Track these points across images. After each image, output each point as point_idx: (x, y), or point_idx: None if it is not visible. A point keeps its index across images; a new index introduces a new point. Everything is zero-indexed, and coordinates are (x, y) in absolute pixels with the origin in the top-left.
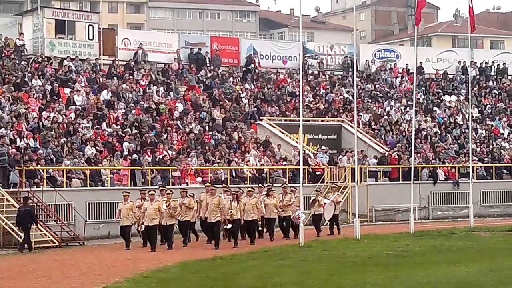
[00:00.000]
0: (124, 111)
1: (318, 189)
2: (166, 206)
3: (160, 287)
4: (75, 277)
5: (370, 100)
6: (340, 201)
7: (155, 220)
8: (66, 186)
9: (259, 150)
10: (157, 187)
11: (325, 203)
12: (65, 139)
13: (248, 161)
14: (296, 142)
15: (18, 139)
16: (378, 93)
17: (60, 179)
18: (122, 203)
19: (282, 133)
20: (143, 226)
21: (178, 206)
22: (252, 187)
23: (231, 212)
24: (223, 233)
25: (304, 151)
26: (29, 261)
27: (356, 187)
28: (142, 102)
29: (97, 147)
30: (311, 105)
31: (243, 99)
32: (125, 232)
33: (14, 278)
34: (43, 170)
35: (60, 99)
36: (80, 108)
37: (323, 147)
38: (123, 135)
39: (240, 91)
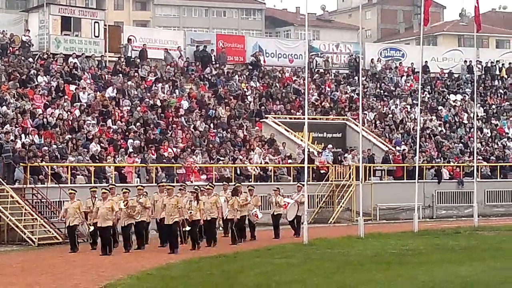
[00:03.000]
0: (129, 108)
1: (277, 189)
2: (124, 206)
3: (164, 284)
4: (79, 274)
5: (375, 99)
6: (304, 202)
7: (108, 221)
8: (71, 183)
9: (263, 148)
10: (108, 185)
11: (287, 203)
12: (70, 136)
13: (251, 158)
14: (301, 140)
15: (23, 136)
16: (383, 91)
17: (64, 176)
18: (68, 202)
19: (287, 131)
20: (91, 227)
21: (137, 205)
22: (211, 185)
23: (191, 212)
24: (181, 236)
25: (309, 149)
26: (32, 258)
27: (360, 185)
28: (147, 99)
29: (101, 144)
30: (316, 103)
31: (248, 97)
32: (72, 233)
33: (17, 274)
34: (47, 167)
35: (66, 96)
36: (85, 105)
37: (328, 146)
38: (128, 132)
39: (245, 89)
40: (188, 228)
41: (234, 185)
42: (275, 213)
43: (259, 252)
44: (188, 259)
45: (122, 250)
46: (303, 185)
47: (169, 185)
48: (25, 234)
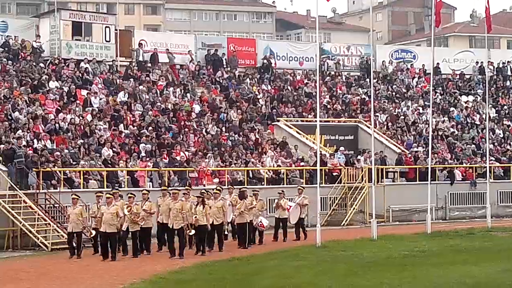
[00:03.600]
0: (141, 112)
1: (282, 191)
2: (128, 211)
3: None
4: (92, 278)
5: (387, 101)
6: (307, 204)
7: (113, 227)
8: (83, 188)
9: (276, 151)
10: (111, 189)
11: (290, 206)
12: (82, 141)
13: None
14: (313, 142)
15: (35, 141)
16: (395, 93)
17: (77, 181)
18: (70, 207)
19: (299, 133)
20: (93, 232)
21: (142, 210)
22: (218, 189)
23: (195, 217)
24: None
25: (321, 151)
26: (46, 263)
27: (373, 187)
28: (159, 104)
29: (114, 149)
30: (328, 106)
31: (260, 100)
32: (71, 239)
33: (32, 279)
34: (60, 172)
35: (77, 101)
36: (97, 109)
37: (340, 148)
38: (140, 136)
39: (257, 92)
40: (193, 233)
41: (240, 188)
42: (280, 216)
43: (272, 255)
44: (201, 263)
45: (130, 256)
46: (304, 188)
47: (174, 189)
48: (38, 239)
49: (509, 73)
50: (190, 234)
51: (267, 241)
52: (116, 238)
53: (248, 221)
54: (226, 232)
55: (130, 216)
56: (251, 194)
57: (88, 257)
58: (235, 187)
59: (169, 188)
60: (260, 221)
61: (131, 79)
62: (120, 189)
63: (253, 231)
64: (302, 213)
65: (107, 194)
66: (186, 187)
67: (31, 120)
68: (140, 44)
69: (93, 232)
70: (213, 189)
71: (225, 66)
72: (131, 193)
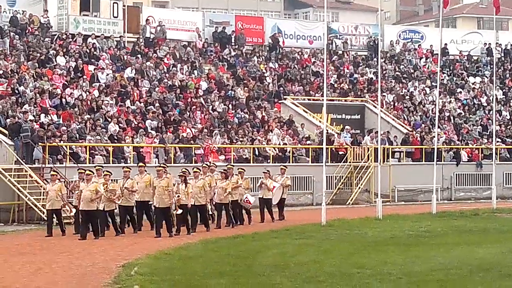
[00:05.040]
0: (147, 88)
1: (267, 171)
2: (104, 189)
3: (181, 264)
4: (97, 253)
5: (394, 81)
6: (289, 185)
7: (92, 204)
8: (89, 163)
9: (282, 129)
10: (94, 166)
11: (274, 187)
12: (88, 116)
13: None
14: (320, 121)
15: (42, 115)
16: (402, 73)
17: (83, 156)
18: (49, 184)
19: (306, 112)
20: (73, 210)
21: (118, 188)
22: (198, 168)
23: (178, 196)
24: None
25: (328, 130)
26: (50, 237)
27: (379, 167)
28: (166, 80)
29: (120, 124)
30: (335, 85)
31: (267, 78)
32: (50, 217)
33: (36, 253)
34: (66, 146)
35: (84, 76)
36: (104, 85)
37: (346, 127)
38: (147, 112)
39: (264, 70)
40: (180, 212)
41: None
42: (264, 197)
43: (277, 233)
44: (206, 240)
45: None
46: (286, 167)
47: (160, 166)
48: (43, 213)
49: None
50: (178, 213)
51: (255, 222)
52: (96, 216)
53: (231, 200)
54: (210, 212)
55: (106, 194)
56: (237, 173)
57: (90, 234)
58: (216, 165)
59: (137, 166)
60: (246, 198)
61: (139, 56)
62: (103, 166)
63: (239, 210)
64: (284, 193)
65: (88, 170)
66: (162, 164)
67: (38, 95)
68: (147, 21)
69: (73, 210)
70: (193, 168)
71: (232, 43)
72: (107, 171)
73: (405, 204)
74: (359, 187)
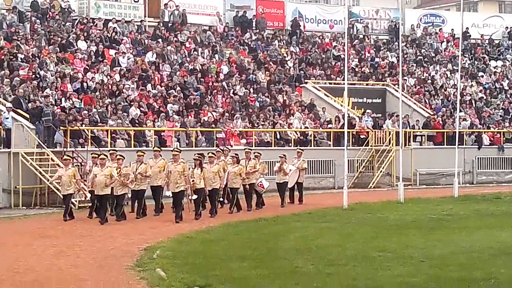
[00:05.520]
0: (168, 72)
1: (283, 155)
2: (117, 173)
3: (203, 247)
4: (118, 237)
5: (415, 65)
6: (305, 168)
7: (106, 189)
8: (111, 147)
9: (303, 113)
10: (108, 150)
11: (290, 170)
12: (109, 100)
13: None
14: (341, 105)
15: (63, 100)
16: (423, 57)
17: (104, 140)
18: (62, 169)
19: (327, 96)
20: (87, 195)
21: (131, 173)
22: (213, 152)
23: (193, 180)
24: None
25: (349, 114)
26: (72, 221)
27: (400, 150)
28: (187, 64)
29: (141, 108)
30: (356, 69)
31: (288, 62)
32: (66, 201)
33: (58, 236)
34: (87, 130)
35: (105, 60)
36: (125, 69)
37: (367, 111)
38: (168, 96)
39: (285, 54)
40: (195, 197)
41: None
42: (280, 181)
43: (299, 216)
44: (228, 223)
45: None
46: (302, 150)
47: (175, 151)
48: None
49: None
50: (193, 198)
51: (274, 206)
52: (109, 201)
53: (249, 184)
54: (220, 199)
55: (120, 178)
56: (253, 157)
57: (112, 218)
58: (227, 148)
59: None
60: (260, 182)
61: (159, 40)
62: (118, 150)
63: (256, 194)
64: (300, 177)
65: (102, 155)
66: (176, 148)
67: (59, 79)
68: (168, 5)
69: (88, 195)
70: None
71: (253, 28)
72: (120, 155)
73: (427, 187)
74: (381, 171)
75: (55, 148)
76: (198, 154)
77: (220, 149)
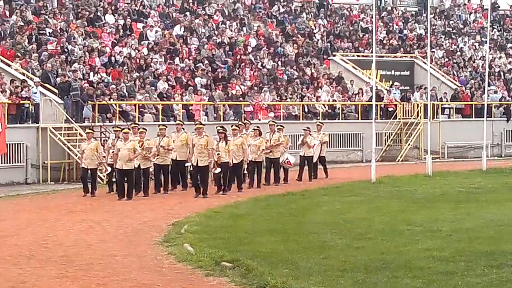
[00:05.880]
0: (196, 46)
1: (307, 128)
2: (140, 147)
3: (232, 222)
4: (146, 212)
5: (443, 36)
6: (326, 141)
7: (130, 163)
8: (139, 121)
9: (331, 85)
10: (130, 123)
11: (314, 144)
12: (137, 74)
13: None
14: (369, 78)
15: (91, 74)
16: (451, 29)
17: (132, 114)
18: (84, 142)
19: (355, 68)
20: (108, 169)
21: (154, 146)
22: (237, 125)
23: (218, 154)
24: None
25: (377, 87)
26: (100, 196)
27: (428, 123)
28: (214, 37)
29: (169, 82)
30: (384, 41)
31: (316, 35)
32: (85, 176)
33: (87, 212)
34: (115, 105)
35: (133, 34)
36: (152, 43)
37: (395, 83)
38: (196, 70)
39: (313, 27)
40: (218, 170)
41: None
42: (305, 154)
43: (327, 190)
44: (256, 197)
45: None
46: (323, 124)
47: (199, 124)
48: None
49: None
50: (216, 172)
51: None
52: (133, 176)
53: (273, 158)
54: (245, 172)
55: (142, 152)
56: (277, 129)
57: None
58: (249, 122)
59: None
60: (287, 159)
61: (187, 13)
62: (139, 124)
63: (283, 169)
64: (322, 150)
65: (125, 129)
66: (198, 122)
67: (87, 53)
68: None
69: (109, 169)
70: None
71: (281, 0)
72: (143, 128)
73: (455, 160)
74: (409, 144)
75: (83, 123)
76: (218, 128)
77: (241, 122)
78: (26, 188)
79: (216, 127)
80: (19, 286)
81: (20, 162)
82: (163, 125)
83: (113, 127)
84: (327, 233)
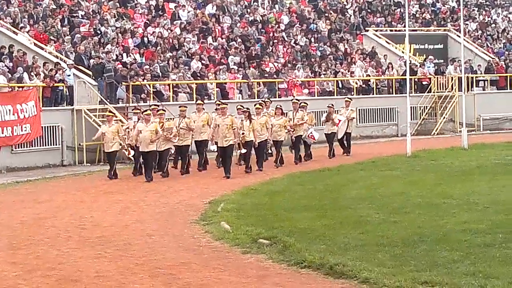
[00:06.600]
0: (229, 24)
1: (331, 105)
2: (160, 128)
3: (268, 199)
4: (183, 191)
5: (476, 9)
6: (354, 118)
7: (152, 145)
8: (173, 101)
9: (365, 61)
10: (149, 105)
11: (339, 120)
12: (170, 54)
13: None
14: (402, 52)
15: (124, 55)
16: (485, 1)
17: (166, 94)
18: (105, 125)
19: (388, 43)
20: (131, 152)
21: (174, 127)
22: (260, 103)
23: (243, 133)
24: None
25: (411, 61)
26: (135, 177)
27: (463, 96)
28: (247, 15)
29: (202, 61)
30: (417, 15)
31: (349, 10)
32: (111, 159)
33: (123, 192)
34: (149, 85)
35: (165, 14)
36: (185, 22)
37: (429, 57)
38: (229, 48)
39: (345, 2)
40: (244, 151)
41: (297, 100)
42: (329, 132)
43: (362, 165)
44: (291, 174)
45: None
46: (351, 100)
47: (223, 104)
48: (128, 153)
49: None
50: (242, 151)
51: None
52: (154, 157)
53: (295, 136)
54: (269, 151)
55: (163, 133)
56: (301, 108)
57: (173, 171)
58: (270, 100)
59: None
60: (311, 133)
61: None
62: (159, 105)
63: (305, 145)
64: (349, 127)
65: (147, 111)
66: (218, 101)
67: (119, 35)
68: None
69: (132, 152)
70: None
71: None
72: (162, 109)
73: (491, 133)
74: (444, 117)
75: (117, 104)
76: (238, 107)
77: (263, 100)
78: (62, 170)
79: (237, 106)
80: (57, 267)
81: (56, 145)
82: (183, 105)
83: (133, 109)
84: (364, 208)
